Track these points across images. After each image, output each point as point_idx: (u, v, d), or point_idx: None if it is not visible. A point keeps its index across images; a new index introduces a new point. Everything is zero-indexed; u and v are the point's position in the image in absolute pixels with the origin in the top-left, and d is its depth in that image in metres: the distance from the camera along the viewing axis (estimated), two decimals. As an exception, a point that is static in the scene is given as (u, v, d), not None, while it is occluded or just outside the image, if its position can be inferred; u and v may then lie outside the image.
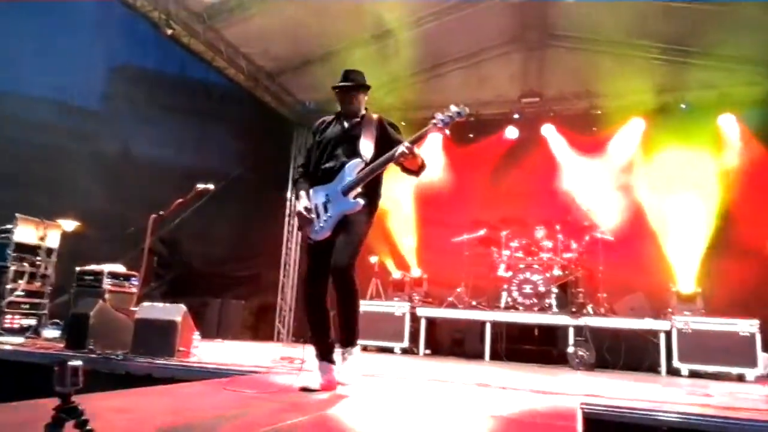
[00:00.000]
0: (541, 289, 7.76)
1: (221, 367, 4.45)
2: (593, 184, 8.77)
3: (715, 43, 7.91)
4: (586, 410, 3.37)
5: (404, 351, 7.82)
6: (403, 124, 10.40)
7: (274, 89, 10.24)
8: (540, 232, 8.41)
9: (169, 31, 7.62)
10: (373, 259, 9.54)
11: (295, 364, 5.05)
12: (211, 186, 6.15)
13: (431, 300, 8.99)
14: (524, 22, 8.73)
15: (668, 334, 6.90)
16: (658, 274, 8.19)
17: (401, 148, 3.40)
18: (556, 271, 8.08)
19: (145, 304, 5.14)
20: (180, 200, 6.05)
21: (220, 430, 2.26)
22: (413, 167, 3.56)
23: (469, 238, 8.71)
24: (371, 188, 3.61)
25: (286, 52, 9.21)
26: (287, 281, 10.90)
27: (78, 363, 1.66)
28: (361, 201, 3.48)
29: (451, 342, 8.83)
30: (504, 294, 8.02)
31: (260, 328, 10.18)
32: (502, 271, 8.32)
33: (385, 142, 3.61)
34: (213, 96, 9.35)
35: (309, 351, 3.71)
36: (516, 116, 9.94)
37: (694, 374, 6.65)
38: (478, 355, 7.77)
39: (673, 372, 6.76)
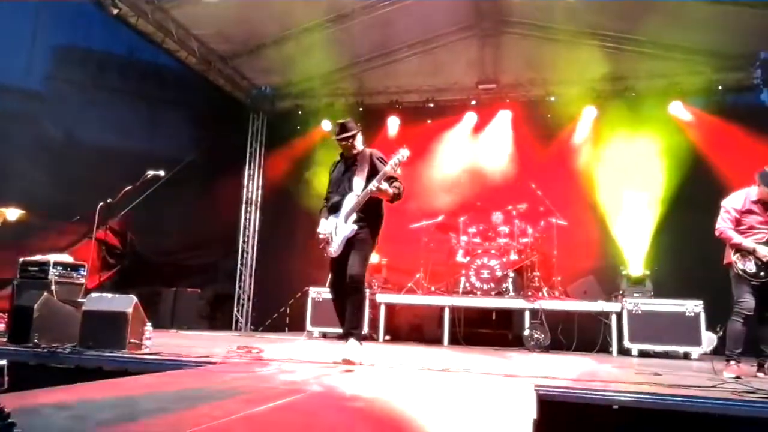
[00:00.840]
0: (498, 274, 7.88)
1: (174, 359, 4.33)
2: (548, 170, 8.91)
3: (663, 33, 8.15)
4: (540, 392, 3.43)
5: (364, 337, 7.78)
6: (360, 110, 10.51)
7: (227, 73, 9.99)
8: (497, 218, 8.52)
9: (115, 11, 7.29)
10: (332, 248, 9.46)
11: (253, 354, 5.00)
12: (161, 172, 5.96)
13: (390, 286, 9.01)
14: (479, 8, 8.76)
15: (619, 315, 7.13)
16: (609, 258, 8.45)
17: (371, 187, 4.37)
18: (513, 256, 8.22)
19: (94, 295, 4.95)
20: (129, 187, 5.84)
21: (163, 424, 2.18)
22: (386, 198, 4.51)
23: (428, 225, 8.75)
24: (369, 213, 4.54)
25: (239, 34, 8.98)
26: (245, 270, 10.73)
27: (2, 362, 1.55)
28: (354, 226, 4.45)
29: (410, 327, 8.89)
30: (462, 279, 8.11)
31: (217, 318, 10.00)
32: (460, 257, 8.40)
33: (374, 174, 4.46)
34: (164, 79, 9.01)
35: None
36: (473, 103, 10.01)
37: (643, 353, 6.91)
38: (436, 340, 7.85)
39: (623, 352, 7.00)
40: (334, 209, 4.62)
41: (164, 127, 8.67)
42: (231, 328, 10.11)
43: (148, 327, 4.98)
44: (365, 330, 7.77)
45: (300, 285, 8.97)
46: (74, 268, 6.02)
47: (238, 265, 10.68)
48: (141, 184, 5.96)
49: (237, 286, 10.59)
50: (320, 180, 9.90)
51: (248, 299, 10.62)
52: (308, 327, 8.19)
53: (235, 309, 10.49)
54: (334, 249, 4.55)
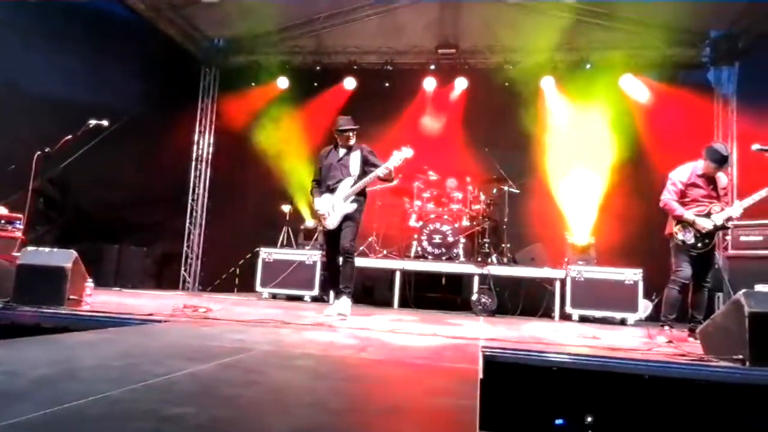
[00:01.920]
0: (450, 239, 7.98)
1: (117, 316, 4.20)
2: (504, 138, 9.00)
3: (621, 6, 8.24)
4: (486, 353, 3.52)
5: (314, 299, 7.83)
6: (318, 69, 10.26)
7: (179, 22, 9.52)
8: (451, 184, 8.59)
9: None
10: (285, 208, 9.36)
11: (200, 312, 4.91)
12: (105, 122, 5.65)
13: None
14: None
15: (563, 282, 7.38)
16: (557, 227, 8.67)
17: (383, 171, 5.36)
18: (465, 222, 8.33)
19: (30, 248, 4.70)
20: (69, 137, 5.52)
21: (104, 380, 2.11)
22: (388, 179, 5.51)
23: (382, 188, 8.71)
24: (360, 194, 5.52)
25: (191, -19, 8.53)
26: (194, 228, 10.47)
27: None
28: (354, 205, 5.43)
29: (361, 290, 8.91)
30: (414, 244, 8.18)
31: (164, 277, 9.74)
32: (412, 222, 8.44)
33: (365, 164, 5.55)
34: (111, 27, 8.46)
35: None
36: (432, 67, 9.92)
37: (583, 319, 7.20)
38: (387, 303, 7.93)
39: (565, 317, 7.28)
40: (331, 190, 5.54)
41: (111, 78, 8.15)
42: (178, 288, 9.91)
43: (90, 284, 4.81)
44: (316, 291, 7.81)
45: (251, 245, 8.84)
46: (9, 221, 5.72)
47: (187, 224, 10.41)
48: (83, 134, 5.64)
49: (185, 244, 10.34)
50: (271, 137, 9.73)
51: (197, 258, 10.41)
52: (258, 287, 8.11)
53: (183, 268, 10.27)
54: (332, 223, 5.48)
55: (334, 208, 5.47)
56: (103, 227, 8.28)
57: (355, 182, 5.45)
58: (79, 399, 1.83)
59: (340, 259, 5.45)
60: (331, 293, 5.84)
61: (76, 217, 7.91)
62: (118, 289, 7.85)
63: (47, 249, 4.67)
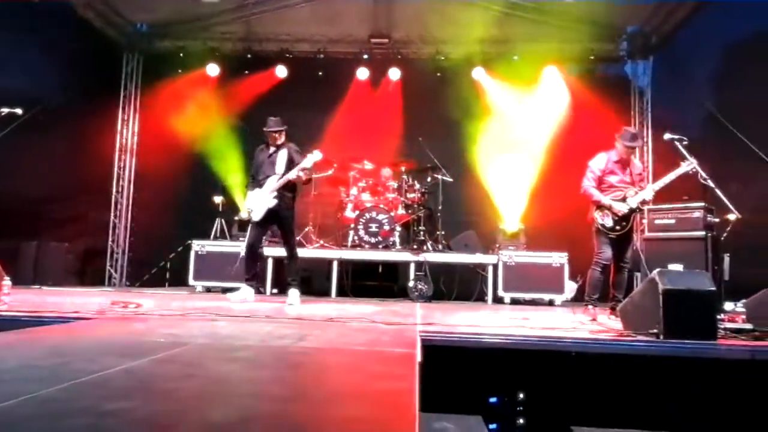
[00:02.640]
0: (386, 227, 8.06)
1: (39, 315, 3.98)
2: (436, 128, 9.16)
3: (546, 2, 8.56)
4: (424, 338, 3.61)
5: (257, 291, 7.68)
6: (248, 56, 10.03)
7: (99, 7, 9.04)
8: (386, 173, 8.66)
9: None
10: (218, 199, 9.14)
11: (130, 309, 4.74)
12: (18, 110, 5.29)
13: (277, 239, 8.88)
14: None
15: (495, 267, 7.65)
16: (489, 214, 8.95)
17: (291, 175, 5.86)
18: (401, 211, 8.44)
19: (-63, 247, 4.36)
20: (-22, 126, 5.14)
21: (32, 380, 2.01)
22: (300, 181, 6.05)
23: (317, 178, 8.67)
24: (288, 190, 5.99)
25: (112, -38, 8.09)
26: (119, 222, 10.03)
27: None
28: (275, 201, 5.89)
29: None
30: (351, 233, 8.20)
31: (88, 273, 9.27)
32: (349, 211, 8.46)
33: (291, 162, 5.96)
34: (24, 11, 7.88)
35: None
36: (365, 57, 9.92)
37: (514, 301, 7.51)
38: (324, 293, 7.93)
39: (497, 300, 7.55)
40: (260, 185, 6.00)
41: (24, 65, 7.62)
42: (104, 284, 9.46)
43: (7, 282, 4.52)
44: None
45: (181, 238, 8.58)
46: None
47: (112, 217, 9.95)
48: (-7, 123, 5.27)
49: (110, 239, 9.88)
50: (200, 125, 9.42)
51: (123, 253, 9.97)
52: (191, 281, 7.89)
53: (108, 264, 9.81)
54: (256, 216, 5.96)
55: (261, 200, 5.95)
56: (19, 222, 7.76)
57: (279, 179, 5.91)
58: (5, 401, 1.74)
59: (258, 250, 6.30)
60: (244, 283, 6.13)
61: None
62: (37, 287, 7.42)
63: (-43, 246, 4.35)
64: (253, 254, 6.17)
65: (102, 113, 9.62)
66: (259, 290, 7.79)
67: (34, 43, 7.84)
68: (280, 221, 6.06)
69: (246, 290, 6.07)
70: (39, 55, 7.98)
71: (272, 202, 5.90)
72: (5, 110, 5.24)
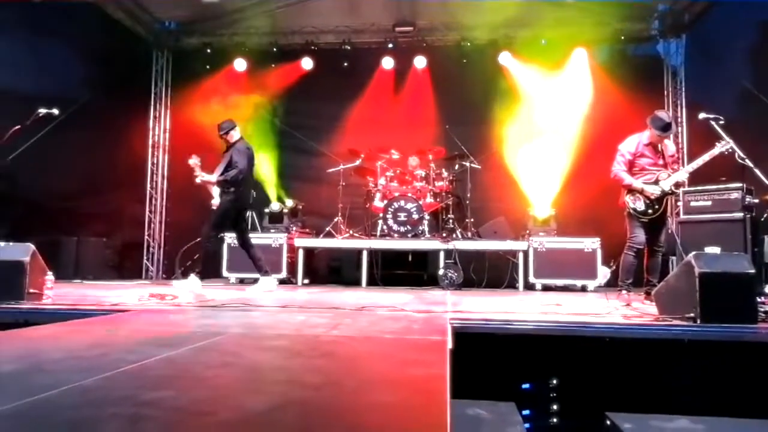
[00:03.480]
0: (415, 216, 8.06)
1: (82, 308, 4.13)
2: (464, 114, 9.09)
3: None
4: (455, 325, 3.62)
5: (282, 281, 7.82)
6: (274, 50, 10.09)
7: (127, 5, 9.20)
8: (414, 162, 8.65)
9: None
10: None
11: (167, 300, 4.87)
12: (55, 111, 5.45)
13: (309, 231, 9.00)
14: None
15: (525, 253, 7.58)
16: (518, 200, 8.86)
17: (201, 180, 6.26)
18: (429, 199, 8.42)
19: (-17, 244, 4.55)
20: (18, 127, 5.32)
21: (75, 371, 2.10)
22: (212, 185, 6.23)
23: (345, 169, 8.73)
24: (229, 186, 6.21)
25: (139, -40, 8.22)
26: (154, 216, 10.26)
27: None
28: (218, 198, 6.21)
29: (329, 270, 8.98)
30: (380, 222, 8.23)
31: (125, 267, 9.53)
32: (377, 201, 8.49)
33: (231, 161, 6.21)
34: (54, 11, 8.09)
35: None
36: (390, 46, 9.88)
37: (546, 288, 7.43)
38: (355, 282, 8.00)
39: (528, 287, 7.49)
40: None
41: (58, 65, 7.83)
42: (141, 277, 9.72)
43: (49, 276, 4.70)
44: (284, 274, 7.82)
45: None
46: (-42, 216, 5.50)
47: (147, 212, 10.19)
48: (32, 123, 5.44)
49: (146, 233, 10.14)
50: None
51: (159, 247, 10.22)
52: (224, 273, 8.05)
53: (145, 257, 10.07)
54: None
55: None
56: (58, 219, 8.03)
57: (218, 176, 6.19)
58: (51, 390, 1.82)
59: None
60: (192, 275, 6.24)
61: (30, 210, 7.65)
62: (78, 281, 7.66)
63: (2, 243, 4.53)
64: (241, 247, 6.61)
65: (134, 111, 9.83)
66: (291, 280, 7.94)
67: (67, 44, 8.05)
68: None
69: (265, 281, 6.35)
70: (72, 55, 8.20)
71: (217, 197, 6.22)
72: (43, 111, 5.41)
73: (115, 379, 2.00)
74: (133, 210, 9.98)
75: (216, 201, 6.18)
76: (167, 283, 8.21)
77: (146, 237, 10.13)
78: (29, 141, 6.26)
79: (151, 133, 10.34)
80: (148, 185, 10.24)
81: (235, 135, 6.38)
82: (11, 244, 4.52)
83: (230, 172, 6.13)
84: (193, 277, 6.11)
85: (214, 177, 6.15)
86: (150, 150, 10.32)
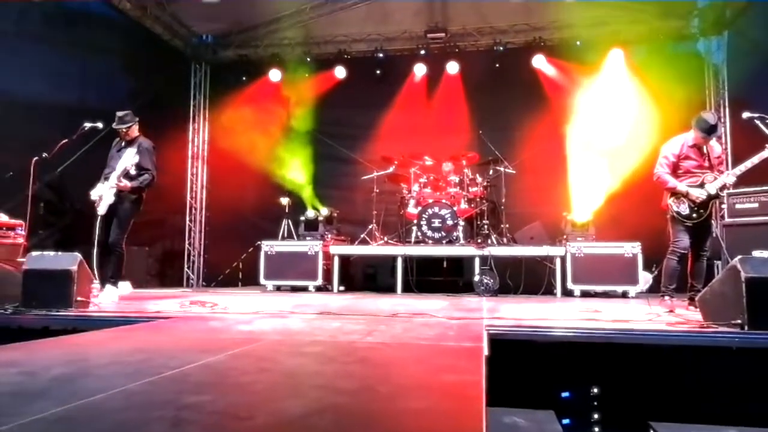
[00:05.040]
0: (449, 223, 8.02)
1: (126, 315, 4.26)
2: (497, 119, 9.02)
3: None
4: (491, 332, 3.58)
5: (318, 289, 7.90)
6: (308, 59, 10.24)
7: (165, 19, 9.49)
8: (447, 168, 8.62)
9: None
10: (284, 200, 9.42)
11: (207, 307, 4.97)
12: (99, 124, 5.67)
13: (343, 238, 9.06)
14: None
15: (563, 259, 7.44)
16: (554, 204, 8.71)
17: (114, 182, 5.62)
18: (463, 205, 8.37)
19: (34, 253, 4.74)
20: (65, 140, 5.55)
21: (120, 376, 2.17)
22: (127, 190, 5.69)
23: (378, 176, 8.76)
24: (139, 190, 5.83)
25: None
26: (194, 226, 10.51)
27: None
28: (113, 198, 5.61)
29: (364, 277, 9.01)
30: (414, 229, 8.23)
31: (167, 275, 9.80)
32: (411, 207, 8.49)
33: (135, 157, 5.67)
34: (96, 27, 8.42)
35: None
36: (422, 52, 9.91)
37: (585, 294, 7.28)
38: (390, 289, 8.01)
39: (567, 293, 7.34)
40: (106, 178, 5.76)
41: (98, 79, 8.14)
42: (182, 285, 9.97)
43: (96, 285, 4.87)
44: (319, 281, 7.88)
45: (252, 239, 8.89)
46: (10, 227, 5.75)
47: (187, 221, 10.45)
48: (78, 137, 5.66)
49: (186, 242, 10.39)
50: (264, 130, 9.75)
51: (199, 255, 10.46)
52: (262, 280, 8.18)
53: (186, 265, 10.32)
54: (102, 210, 5.66)
55: (102, 196, 5.70)
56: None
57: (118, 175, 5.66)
58: (98, 394, 1.89)
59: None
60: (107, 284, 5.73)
61: (76, 221, 7.94)
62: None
63: (52, 253, 4.72)
64: (103, 250, 5.75)
65: (174, 122, 10.11)
66: (326, 287, 8.00)
67: (110, 58, 8.36)
68: (115, 214, 5.74)
69: (110, 290, 5.65)
70: (115, 70, 8.51)
71: (111, 199, 5.65)
72: (88, 125, 5.63)
73: (158, 383, 2.06)
74: (173, 220, 10.26)
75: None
76: (207, 291, 8.41)
77: (186, 246, 10.38)
78: (76, 154, 6.50)
79: (190, 144, 10.61)
80: (188, 195, 10.50)
81: (136, 129, 5.95)
82: (59, 253, 4.70)
83: (145, 178, 5.80)
84: (110, 287, 5.66)
85: (128, 184, 5.67)
86: (189, 161, 10.59)
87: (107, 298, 5.48)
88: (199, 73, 10.70)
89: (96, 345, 3.07)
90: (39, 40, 7.48)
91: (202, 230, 10.56)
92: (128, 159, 5.64)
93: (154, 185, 5.97)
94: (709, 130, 4.94)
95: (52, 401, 1.79)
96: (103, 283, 5.58)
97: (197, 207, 10.58)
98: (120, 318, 4.15)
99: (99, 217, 5.69)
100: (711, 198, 4.98)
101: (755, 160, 4.82)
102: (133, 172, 5.65)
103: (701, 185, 4.99)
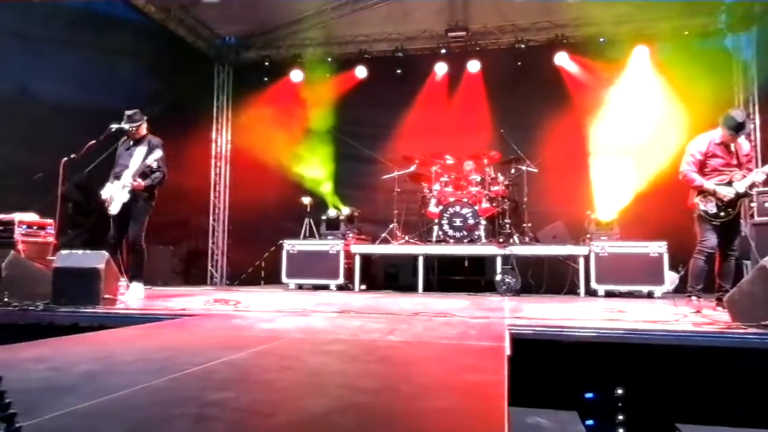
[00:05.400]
0: (471, 222, 7.98)
1: (151, 312, 4.33)
2: (519, 117, 8.94)
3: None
4: (513, 331, 3.55)
5: (340, 287, 7.93)
6: (329, 60, 10.30)
7: (189, 22, 9.62)
8: (468, 167, 8.58)
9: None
10: (306, 200, 9.47)
11: (230, 305, 5.03)
12: (126, 126, 5.77)
13: (365, 237, 9.08)
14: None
15: (586, 258, 7.34)
16: (578, 203, 8.59)
17: (129, 181, 5.69)
18: (485, 204, 8.32)
19: (63, 252, 4.86)
20: (93, 141, 5.66)
21: (145, 372, 2.21)
22: (141, 188, 5.73)
23: (400, 175, 8.76)
24: (152, 188, 5.87)
25: (199, -20, 8.60)
26: (218, 225, 10.65)
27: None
28: (128, 195, 5.68)
29: (385, 276, 9.02)
30: (435, 228, 8.21)
31: (192, 274, 9.94)
32: (432, 207, 8.47)
33: (148, 156, 5.72)
34: (121, 31, 8.59)
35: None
36: (443, 51, 9.87)
37: (609, 294, 7.16)
38: (411, 288, 8.00)
39: (590, 293, 7.24)
40: (117, 177, 5.82)
41: (124, 81, 8.31)
42: (206, 284, 10.10)
43: (122, 283, 4.96)
44: (341, 280, 7.91)
45: (274, 238, 8.96)
46: (41, 226, 5.90)
47: (211, 221, 10.59)
48: (105, 138, 5.78)
49: (210, 241, 10.53)
50: (286, 130, 9.83)
51: (222, 254, 10.59)
52: (284, 279, 8.24)
53: (210, 264, 10.46)
54: (114, 210, 5.73)
55: (116, 196, 5.74)
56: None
57: (132, 173, 5.71)
58: (123, 390, 1.92)
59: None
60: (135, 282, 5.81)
61: (102, 220, 8.10)
62: (148, 287, 8.01)
63: (80, 251, 4.82)
64: (115, 250, 5.76)
65: (197, 123, 10.26)
66: (348, 286, 8.02)
67: (131, 60, 8.51)
68: (130, 212, 5.75)
69: (137, 287, 5.75)
70: (139, 71, 8.66)
71: (126, 196, 5.68)
72: (115, 126, 5.74)
73: (182, 380, 2.09)
74: (198, 219, 10.41)
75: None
76: (230, 289, 8.50)
77: (210, 245, 10.51)
78: (102, 155, 6.62)
79: (213, 144, 10.75)
80: (212, 195, 10.63)
81: (145, 128, 5.99)
82: (87, 252, 4.80)
83: (157, 176, 5.80)
84: (136, 284, 5.76)
85: (143, 183, 5.70)
86: (213, 161, 10.72)
87: (134, 295, 5.58)
88: (222, 75, 10.83)
89: (122, 342, 3.13)
90: (66, 45, 7.65)
91: (226, 229, 10.68)
92: (141, 158, 5.70)
93: (165, 183, 6.04)
94: (737, 128, 4.83)
95: (79, 397, 1.83)
96: (131, 279, 5.73)
97: (221, 207, 10.70)
98: (146, 315, 4.22)
99: (112, 217, 5.77)
100: (739, 196, 4.86)
101: (786, 157, 4.70)
102: (154, 166, 5.73)
103: (729, 183, 4.88)
